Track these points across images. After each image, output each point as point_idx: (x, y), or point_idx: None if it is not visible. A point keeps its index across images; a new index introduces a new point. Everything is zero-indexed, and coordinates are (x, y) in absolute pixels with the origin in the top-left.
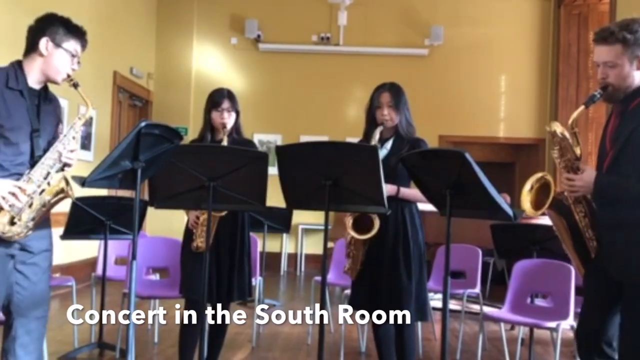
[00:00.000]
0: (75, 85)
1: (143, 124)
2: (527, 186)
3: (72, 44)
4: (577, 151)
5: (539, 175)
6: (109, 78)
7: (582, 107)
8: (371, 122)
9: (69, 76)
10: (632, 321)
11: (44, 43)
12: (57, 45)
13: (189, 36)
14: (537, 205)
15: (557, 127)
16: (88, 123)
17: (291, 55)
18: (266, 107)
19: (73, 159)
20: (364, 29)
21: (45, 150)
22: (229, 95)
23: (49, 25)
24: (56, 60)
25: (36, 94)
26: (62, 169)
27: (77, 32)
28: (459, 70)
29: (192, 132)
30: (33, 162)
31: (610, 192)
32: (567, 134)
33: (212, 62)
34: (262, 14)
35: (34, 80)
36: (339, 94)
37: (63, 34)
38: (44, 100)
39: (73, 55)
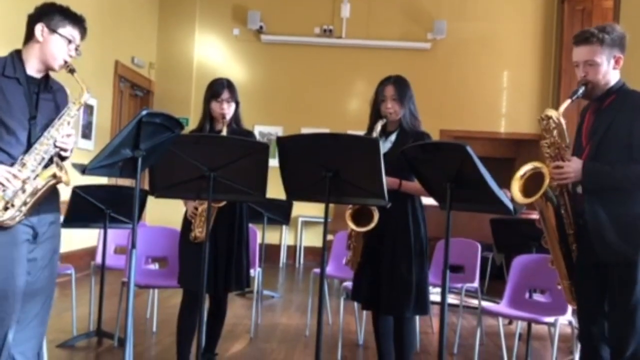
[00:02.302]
0: (72, 71)
1: (144, 112)
2: (521, 172)
3: (68, 30)
4: (568, 139)
5: (536, 164)
6: (110, 67)
7: (568, 100)
8: (376, 115)
9: (66, 63)
10: (614, 299)
11: (40, 29)
12: (52, 30)
13: (191, 26)
14: (525, 193)
15: (553, 113)
16: (89, 112)
17: (293, 47)
18: (267, 98)
19: (69, 144)
20: (367, 21)
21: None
22: (229, 85)
23: (46, 12)
24: (52, 46)
25: (36, 82)
26: (59, 156)
27: (74, 19)
28: (461, 64)
29: (193, 123)
30: (29, 149)
31: (597, 176)
32: (562, 120)
33: (214, 53)
34: (264, 5)
35: (32, 68)
36: (340, 87)
37: (59, 20)
38: (44, 89)
39: (70, 41)
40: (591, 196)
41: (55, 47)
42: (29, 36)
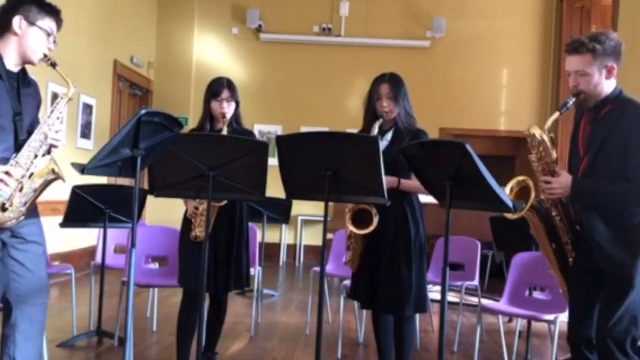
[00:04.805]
0: (54, 65)
1: (143, 111)
2: (507, 189)
3: (46, 22)
4: (554, 154)
5: (519, 178)
6: (109, 66)
7: (557, 113)
8: (371, 113)
9: (45, 56)
10: (605, 304)
11: (18, 21)
12: (31, 23)
13: (190, 25)
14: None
15: (537, 130)
16: (88, 111)
17: (292, 46)
18: (267, 97)
19: (60, 140)
20: (366, 20)
21: (30, 133)
22: (229, 84)
23: (21, 4)
24: (31, 39)
25: (14, 76)
26: (48, 152)
27: (51, 10)
28: (460, 62)
29: (192, 122)
30: (17, 146)
31: (586, 194)
32: (545, 137)
33: (213, 52)
34: (263, 4)
35: (10, 62)
36: (339, 85)
37: (36, 11)
38: (23, 83)
39: (48, 34)
40: (589, 210)
41: (35, 40)
42: (5, 28)
